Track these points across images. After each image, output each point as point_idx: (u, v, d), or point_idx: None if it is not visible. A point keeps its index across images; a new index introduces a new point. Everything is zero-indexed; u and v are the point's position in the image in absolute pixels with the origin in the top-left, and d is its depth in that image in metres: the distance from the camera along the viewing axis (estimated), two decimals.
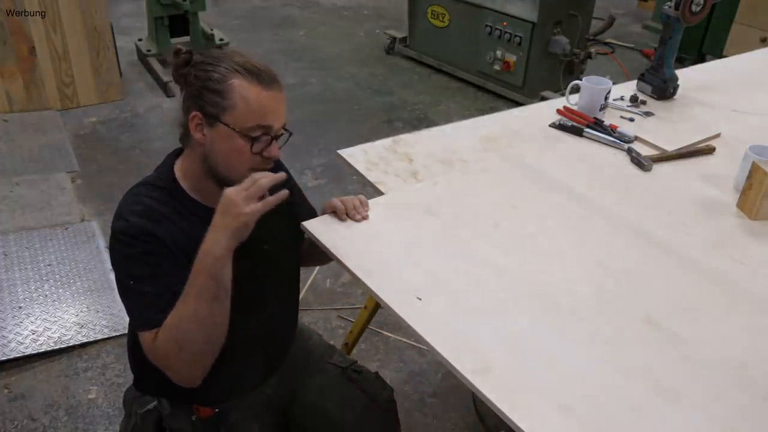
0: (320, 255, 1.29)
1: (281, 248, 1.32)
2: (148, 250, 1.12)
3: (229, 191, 1.07)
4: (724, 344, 1.08)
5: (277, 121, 1.14)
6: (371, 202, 1.37)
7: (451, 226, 1.33)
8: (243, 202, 1.05)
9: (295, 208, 1.38)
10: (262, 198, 1.07)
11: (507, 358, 1.03)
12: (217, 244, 1.06)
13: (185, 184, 1.20)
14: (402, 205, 1.39)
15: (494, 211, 1.38)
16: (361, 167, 1.54)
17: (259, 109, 1.11)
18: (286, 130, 1.19)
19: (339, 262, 1.23)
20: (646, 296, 1.16)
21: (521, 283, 1.19)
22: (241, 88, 1.10)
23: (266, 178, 1.08)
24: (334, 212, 1.33)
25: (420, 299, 1.13)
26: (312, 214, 1.40)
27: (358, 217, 1.32)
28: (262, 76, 1.11)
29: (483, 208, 1.39)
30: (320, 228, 1.29)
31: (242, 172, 1.13)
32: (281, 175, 1.11)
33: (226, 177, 1.16)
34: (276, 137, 1.15)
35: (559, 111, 1.80)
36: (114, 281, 2.38)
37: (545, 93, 3.87)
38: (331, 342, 2.29)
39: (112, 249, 1.16)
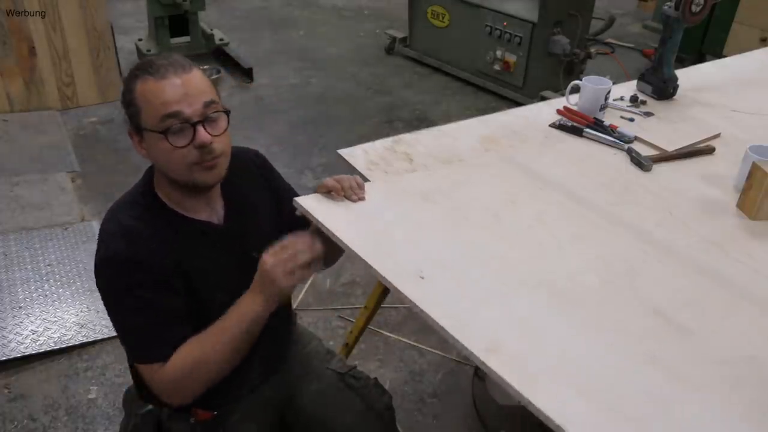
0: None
1: None
2: (134, 282, 1.11)
3: (267, 262, 1.11)
4: (731, 339, 1.08)
5: (187, 106, 1.08)
6: (367, 185, 1.34)
7: (449, 215, 1.32)
8: (281, 276, 1.11)
9: (282, 208, 1.36)
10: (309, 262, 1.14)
11: (516, 341, 1.02)
12: (256, 308, 1.13)
13: (163, 196, 1.19)
14: (399, 191, 1.38)
15: (493, 204, 1.37)
16: (361, 167, 1.53)
17: (157, 100, 1.08)
18: (224, 111, 1.14)
19: (334, 237, 1.19)
20: (648, 293, 1.16)
21: (524, 272, 1.18)
22: (140, 89, 1.10)
23: (305, 255, 1.13)
24: (329, 192, 1.29)
25: (423, 278, 1.11)
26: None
27: (354, 197, 1.29)
28: (154, 69, 1.09)
29: (482, 201, 1.38)
30: (314, 204, 1.26)
31: (184, 170, 1.12)
32: (317, 248, 1.15)
33: (177, 180, 1.15)
34: (197, 123, 1.09)
35: (559, 111, 1.80)
36: None
37: (545, 93, 3.86)
38: (331, 342, 2.30)
39: (98, 278, 1.15)
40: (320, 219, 1.22)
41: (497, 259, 1.21)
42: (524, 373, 0.95)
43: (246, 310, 1.14)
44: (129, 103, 1.12)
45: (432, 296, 1.08)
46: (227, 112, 1.15)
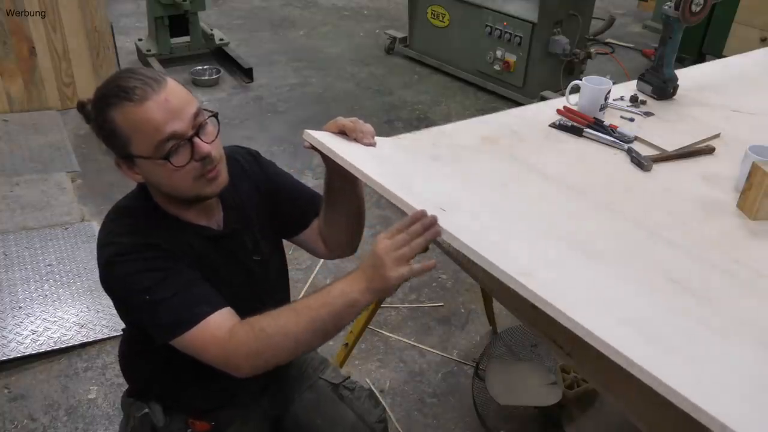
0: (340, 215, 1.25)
1: (270, 256, 1.29)
2: (151, 257, 1.07)
3: (381, 246, 0.99)
4: (752, 309, 1.09)
5: (178, 122, 1.02)
6: (375, 139, 1.32)
7: (458, 174, 1.34)
8: (391, 264, 0.98)
9: (278, 198, 1.32)
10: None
11: (546, 272, 1.02)
12: (357, 291, 1.00)
13: (161, 204, 1.15)
14: (407, 149, 1.40)
15: (498, 177, 1.40)
16: None
17: (147, 126, 1.01)
18: (207, 111, 1.09)
19: (352, 168, 1.14)
20: (658, 267, 1.18)
21: (541, 227, 1.21)
22: (122, 118, 1.02)
23: (421, 239, 1.00)
24: (340, 131, 1.23)
25: (444, 210, 1.09)
26: (311, 196, 1.36)
27: (365, 140, 1.23)
28: (131, 94, 1.01)
29: (487, 173, 1.41)
30: (325, 138, 1.21)
31: (189, 187, 1.08)
32: (434, 223, 1.01)
33: (181, 197, 1.11)
34: (192, 136, 1.04)
35: (559, 111, 1.80)
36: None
37: (545, 93, 3.86)
38: (331, 343, 2.30)
39: (109, 278, 1.08)
40: (333, 148, 1.16)
41: (513, 213, 1.23)
42: (561, 296, 0.96)
43: (342, 291, 1.01)
44: (110, 134, 1.04)
45: (458, 227, 1.06)
46: (215, 115, 1.10)
